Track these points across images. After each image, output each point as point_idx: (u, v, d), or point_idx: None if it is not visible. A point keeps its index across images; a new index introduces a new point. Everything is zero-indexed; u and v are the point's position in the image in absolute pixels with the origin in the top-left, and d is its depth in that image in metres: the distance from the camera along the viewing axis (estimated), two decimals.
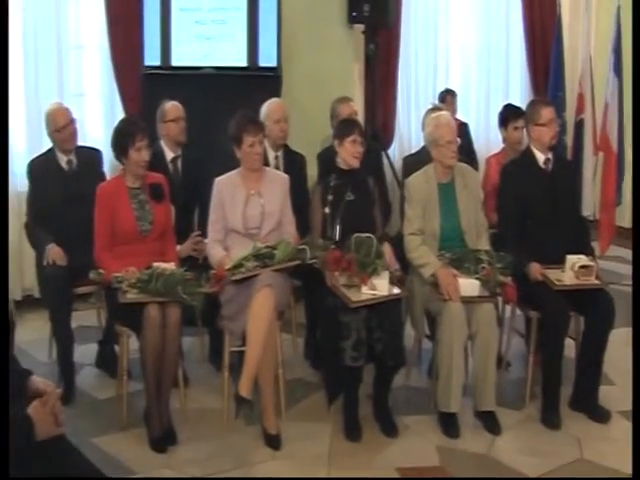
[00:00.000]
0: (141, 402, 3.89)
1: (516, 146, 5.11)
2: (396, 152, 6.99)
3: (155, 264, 3.85)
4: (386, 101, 6.91)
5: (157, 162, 4.54)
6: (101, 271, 3.92)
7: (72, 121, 4.51)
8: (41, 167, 4.51)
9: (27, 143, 5.67)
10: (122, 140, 3.99)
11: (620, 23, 6.44)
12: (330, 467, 3.64)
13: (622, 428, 3.98)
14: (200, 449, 3.74)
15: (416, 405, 4.17)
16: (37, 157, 4.61)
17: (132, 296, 3.76)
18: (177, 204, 4.44)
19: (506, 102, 5.92)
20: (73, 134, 4.50)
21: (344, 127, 4.24)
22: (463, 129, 6.47)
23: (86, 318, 4.81)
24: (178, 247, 4.26)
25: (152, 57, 5.92)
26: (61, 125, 4.45)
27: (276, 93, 5.63)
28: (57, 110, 4.52)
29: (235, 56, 6.03)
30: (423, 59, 7.33)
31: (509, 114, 5.24)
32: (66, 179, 4.45)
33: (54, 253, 4.22)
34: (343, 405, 3.92)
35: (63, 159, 4.51)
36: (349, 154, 4.15)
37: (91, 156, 4.63)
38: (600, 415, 4.06)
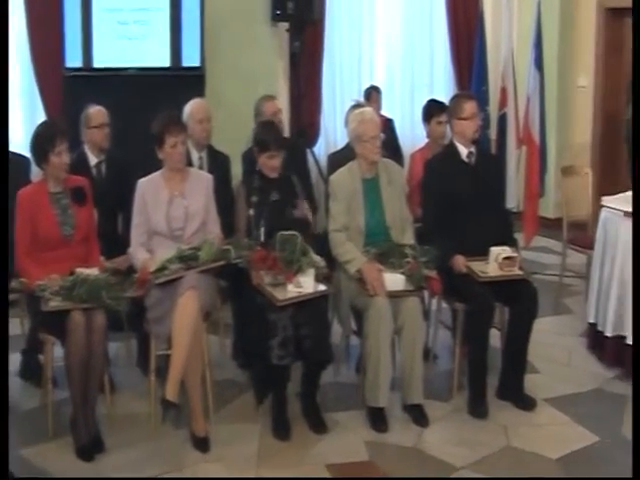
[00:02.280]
0: (67, 410, 3.81)
1: (439, 140, 5.17)
2: (322, 149, 7.01)
3: (78, 270, 3.79)
4: (311, 98, 6.92)
5: (80, 167, 4.48)
6: (23, 279, 3.84)
7: None
8: None
9: None
10: (42, 145, 3.90)
11: (540, 17, 6.55)
12: (259, 467, 3.63)
13: (547, 414, 4.09)
14: (128, 455, 3.69)
15: (345, 401, 4.18)
16: None
17: (55, 303, 3.70)
18: (101, 209, 4.37)
19: (431, 97, 5.99)
20: None
21: (261, 140, 4.17)
22: (388, 125, 6.51)
23: (9, 327, 4.68)
24: (101, 258, 4.17)
25: (73, 58, 5.85)
26: None
27: (200, 92, 5.61)
28: None
29: (158, 56, 5.98)
30: (348, 56, 7.38)
31: (432, 109, 5.30)
32: None
33: None
34: (271, 404, 3.92)
35: None
36: (266, 167, 4.14)
37: (18, 164, 4.47)
38: (526, 403, 4.14)
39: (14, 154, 4.49)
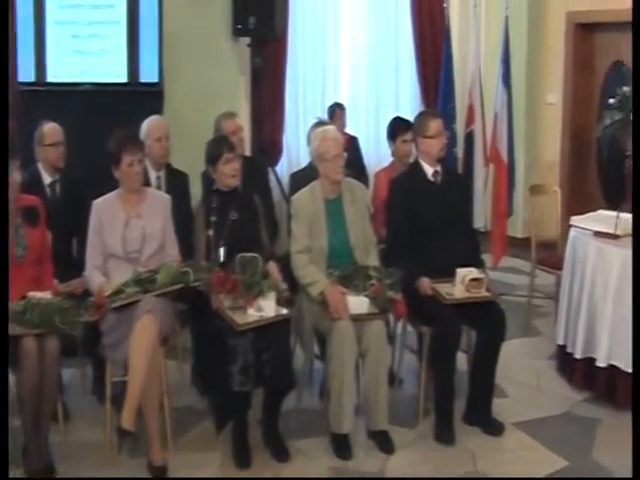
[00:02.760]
0: (19, 438, 3.79)
1: (405, 159, 5.24)
2: (284, 168, 7.08)
3: (30, 294, 3.78)
4: (274, 116, 7.00)
5: (33, 186, 4.48)
6: None
7: None
8: None
9: None
10: None
11: (508, 33, 6.70)
12: None
13: (516, 439, 4.15)
14: None
15: (308, 428, 4.21)
16: None
17: None
18: (56, 230, 4.36)
19: (396, 115, 6.08)
20: None
21: (212, 151, 4.22)
22: (352, 143, 6.61)
23: None
24: (55, 281, 4.17)
25: (26, 73, 5.84)
26: None
27: (158, 110, 5.63)
28: None
29: (115, 71, 6.00)
30: (311, 72, 7.46)
31: (397, 127, 5.37)
32: None
33: None
34: (232, 432, 3.93)
35: None
36: (225, 175, 4.16)
37: None
38: (494, 428, 4.20)
39: None
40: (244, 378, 3.72)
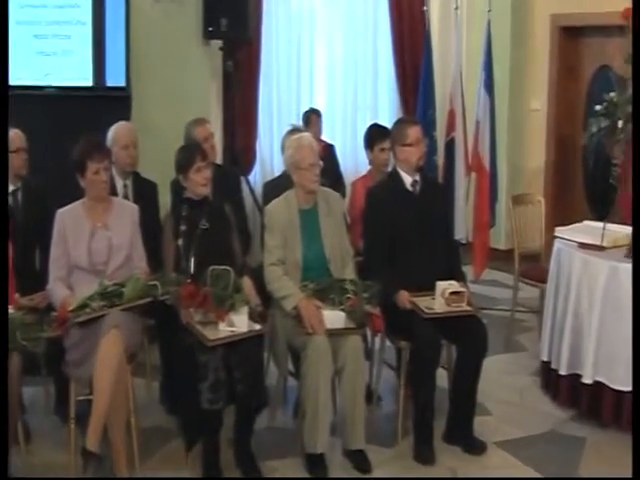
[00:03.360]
0: None
1: (383, 168, 5.30)
2: (257, 177, 7.12)
3: None
4: (246, 122, 7.03)
5: None
6: None
7: None
8: None
9: None
10: None
11: (491, 39, 6.78)
12: None
13: (498, 458, 4.19)
14: None
15: (282, 447, 4.23)
16: None
17: None
18: (17, 241, 4.34)
19: (374, 121, 6.15)
20: None
21: (183, 158, 4.25)
22: (328, 151, 6.66)
23: None
24: (17, 295, 4.18)
25: None
26: None
27: (125, 115, 5.65)
28: None
29: (80, 75, 6.01)
30: (286, 77, 7.51)
31: (375, 135, 5.43)
32: None
33: None
34: (202, 452, 3.94)
35: None
36: (196, 184, 4.19)
37: None
38: (475, 447, 4.24)
39: None
40: (215, 396, 3.74)
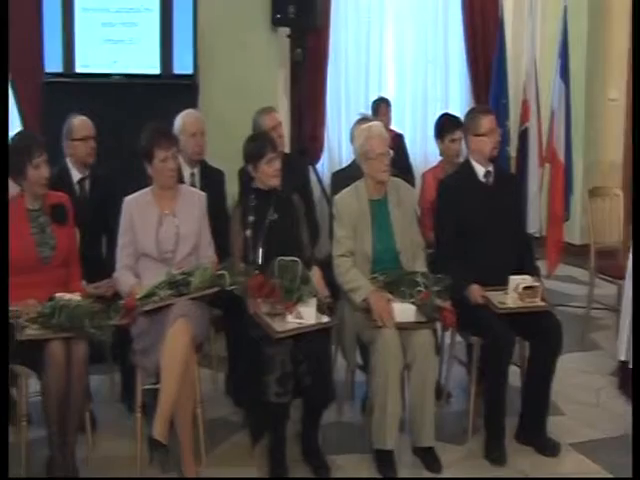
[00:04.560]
0: (43, 450, 3.87)
1: (454, 159, 5.24)
2: (325, 167, 7.12)
3: (58, 295, 3.83)
4: (314, 111, 7.04)
5: (62, 182, 4.54)
6: None
7: None
8: None
9: None
10: (17, 158, 3.97)
11: (567, 25, 6.67)
12: None
13: (572, 461, 4.12)
14: None
15: (349, 443, 4.24)
16: None
17: (32, 332, 3.74)
18: (84, 229, 4.43)
19: (445, 111, 6.09)
20: None
21: (253, 149, 4.25)
22: (398, 141, 6.62)
23: None
24: (84, 283, 4.24)
25: (53, 63, 5.92)
26: None
27: (192, 103, 5.70)
28: None
29: (147, 62, 6.06)
30: (355, 65, 7.49)
31: (445, 125, 5.37)
32: None
33: None
34: (268, 446, 3.96)
35: None
36: (267, 176, 4.20)
37: None
38: (549, 448, 4.17)
39: None
40: (281, 389, 3.75)
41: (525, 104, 6.79)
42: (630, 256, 4.50)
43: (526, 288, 4.14)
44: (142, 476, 3.92)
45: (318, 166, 6.95)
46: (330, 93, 7.29)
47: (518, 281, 4.15)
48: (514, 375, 4.35)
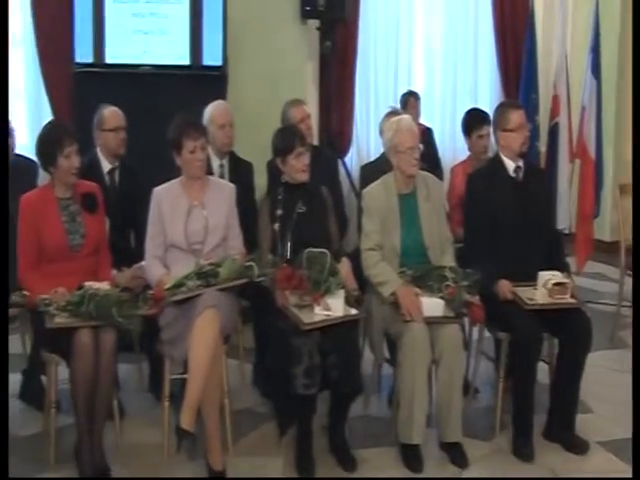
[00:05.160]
0: (71, 437, 3.91)
1: (482, 155, 5.24)
2: (353, 160, 7.12)
3: (87, 284, 3.87)
4: (343, 104, 7.03)
5: (92, 172, 4.56)
6: (25, 292, 3.93)
7: (10, 132, 4.51)
8: None
9: None
10: (49, 147, 4.00)
11: (599, 19, 6.61)
12: None
13: (601, 460, 4.09)
14: None
15: (375, 436, 4.25)
16: None
17: (61, 320, 3.78)
18: (113, 220, 4.46)
19: (474, 105, 6.08)
20: (11, 147, 4.50)
21: (282, 143, 4.26)
22: (427, 135, 6.61)
23: (9, 344, 4.79)
24: (114, 272, 4.28)
25: (84, 53, 5.96)
26: None
27: (221, 95, 5.71)
28: None
29: (176, 53, 6.09)
30: (383, 58, 7.48)
31: (472, 121, 5.37)
32: None
33: None
34: (295, 437, 3.98)
35: None
36: (296, 170, 4.21)
37: (27, 169, 4.57)
38: (577, 446, 4.16)
39: (21, 158, 4.61)
40: (309, 381, 3.76)
41: (555, 99, 6.74)
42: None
43: (556, 284, 4.12)
44: (169, 464, 3.96)
45: (346, 159, 6.95)
46: (359, 86, 7.28)
47: (548, 277, 4.13)
48: (543, 372, 4.33)
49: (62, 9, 5.93)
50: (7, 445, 2.39)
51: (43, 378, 4.29)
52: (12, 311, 4.36)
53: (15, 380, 4.59)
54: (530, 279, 4.17)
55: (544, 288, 4.13)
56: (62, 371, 3.94)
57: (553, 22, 7.68)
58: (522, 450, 4.09)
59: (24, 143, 5.71)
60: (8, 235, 3.74)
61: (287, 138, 4.27)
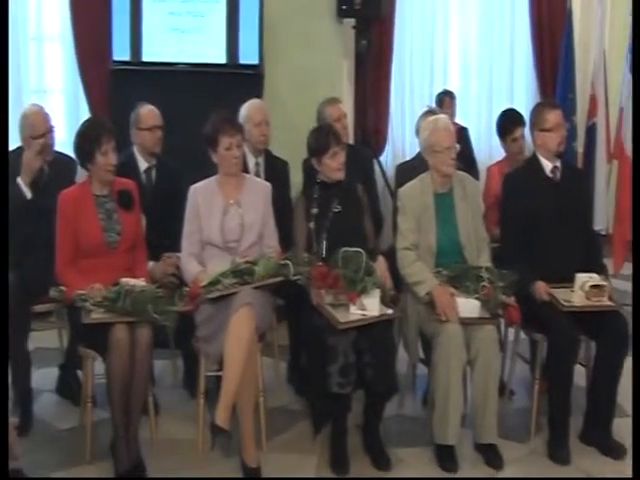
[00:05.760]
0: (107, 432, 3.94)
1: (517, 157, 5.20)
2: (389, 159, 7.10)
3: (123, 280, 3.90)
4: (378, 103, 7.02)
5: (129, 170, 4.58)
6: (63, 288, 3.97)
7: (51, 129, 4.55)
8: (12, 169, 4.54)
9: None
10: (86, 144, 4.04)
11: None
12: None
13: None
14: None
15: (410, 436, 4.24)
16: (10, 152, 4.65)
17: (97, 316, 3.81)
18: (149, 218, 4.47)
19: (510, 105, 6.06)
20: (51, 144, 4.54)
21: (317, 142, 4.27)
22: (462, 134, 6.58)
23: (45, 339, 4.84)
24: (151, 263, 4.31)
25: (121, 51, 5.99)
26: (39, 133, 4.47)
27: (257, 93, 5.73)
28: (36, 115, 4.55)
29: (213, 52, 6.11)
30: (419, 57, 7.45)
31: (506, 124, 5.35)
32: (35, 190, 4.45)
33: None
34: (330, 435, 3.98)
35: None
36: (331, 170, 4.23)
37: (65, 166, 4.60)
38: (613, 450, 4.11)
39: (60, 155, 4.66)
40: (344, 379, 3.76)
41: (593, 99, 6.71)
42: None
43: (593, 286, 4.08)
44: (203, 460, 3.99)
45: (381, 158, 6.94)
46: (394, 85, 7.25)
47: (585, 279, 4.10)
48: (579, 374, 4.29)
49: (100, 7, 5.97)
50: (7, 445, 2.41)
51: (79, 373, 4.33)
52: (48, 306, 4.43)
53: (52, 374, 4.66)
54: (567, 281, 4.14)
55: (581, 290, 4.09)
56: (98, 366, 3.98)
57: (591, 20, 7.61)
58: (558, 453, 4.06)
59: (61, 140, 5.74)
60: (7, 233, 3.75)
61: (322, 138, 4.28)
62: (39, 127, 4.50)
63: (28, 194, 4.34)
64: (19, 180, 4.33)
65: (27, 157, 4.37)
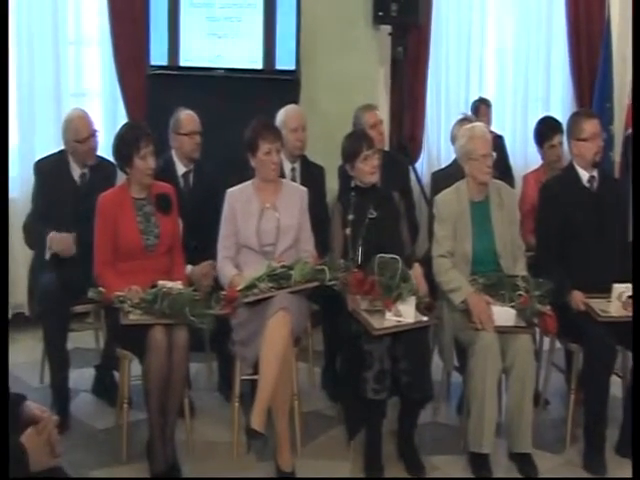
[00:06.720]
0: (143, 433, 3.99)
1: (555, 164, 5.19)
2: (424, 166, 7.09)
3: (161, 282, 3.93)
4: (414, 110, 7.01)
5: (167, 174, 4.62)
6: (101, 289, 4.01)
7: (94, 133, 4.62)
8: (51, 173, 4.61)
9: (19, 147, 5.83)
10: (125, 148, 4.10)
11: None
12: None
13: None
14: None
15: (445, 444, 4.25)
16: (46, 158, 4.72)
17: (135, 317, 3.85)
18: (187, 222, 4.52)
19: (546, 113, 6.02)
20: (93, 148, 4.62)
21: (349, 147, 4.31)
22: (498, 142, 6.54)
23: (83, 339, 4.92)
24: (189, 267, 4.35)
25: (159, 56, 6.02)
26: (83, 137, 4.55)
27: (294, 99, 5.74)
28: (80, 119, 4.63)
29: (250, 57, 6.12)
30: (455, 64, 7.42)
31: (543, 131, 5.35)
32: (76, 194, 4.53)
33: (58, 241, 4.34)
34: (364, 441, 4.00)
35: (77, 171, 4.62)
36: (364, 173, 4.26)
37: (107, 170, 4.66)
38: None
39: (101, 159, 4.72)
40: (379, 386, 3.78)
41: (630, 108, 6.65)
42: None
43: (630, 297, 4.06)
44: (238, 463, 4.02)
45: (417, 165, 6.94)
46: (430, 92, 7.24)
47: (622, 289, 4.09)
48: (615, 385, 4.28)
49: (138, 12, 6.03)
50: (7, 445, 2.44)
51: (116, 374, 4.38)
52: (86, 307, 4.49)
53: (88, 374, 4.71)
54: (603, 291, 4.13)
55: (618, 300, 4.09)
56: (135, 367, 4.02)
57: (629, 29, 7.56)
58: (593, 465, 4.05)
59: (100, 144, 5.81)
60: (8, 236, 3.76)
61: (353, 143, 4.32)
62: (83, 131, 4.57)
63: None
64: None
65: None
